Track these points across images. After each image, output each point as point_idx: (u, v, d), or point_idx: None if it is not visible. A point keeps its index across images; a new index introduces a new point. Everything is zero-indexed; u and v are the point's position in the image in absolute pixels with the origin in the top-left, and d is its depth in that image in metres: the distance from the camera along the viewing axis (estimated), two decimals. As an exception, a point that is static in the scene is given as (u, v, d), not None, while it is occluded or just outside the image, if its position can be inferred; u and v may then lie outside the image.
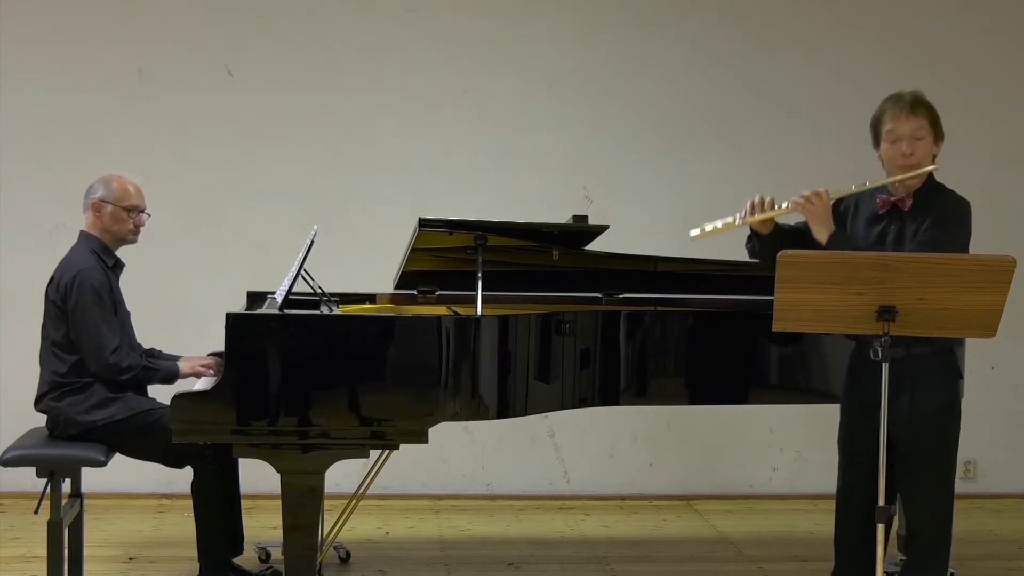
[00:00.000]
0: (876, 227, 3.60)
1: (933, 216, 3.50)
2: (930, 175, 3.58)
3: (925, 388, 3.47)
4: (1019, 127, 6.17)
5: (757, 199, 3.60)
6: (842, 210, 3.67)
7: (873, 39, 6.08)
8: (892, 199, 3.57)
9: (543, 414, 4.36)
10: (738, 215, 3.62)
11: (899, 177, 3.50)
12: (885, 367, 3.26)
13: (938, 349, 3.50)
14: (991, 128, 6.14)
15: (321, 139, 5.84)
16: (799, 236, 3.64)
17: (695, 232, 3.69)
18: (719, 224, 3.64)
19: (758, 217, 3.58)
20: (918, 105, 3.53)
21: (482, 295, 3.94)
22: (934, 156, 3.56)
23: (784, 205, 3.56)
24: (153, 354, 4.42)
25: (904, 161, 3.51)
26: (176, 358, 4.39)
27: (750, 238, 3.73)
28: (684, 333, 4.30)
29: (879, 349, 3.46)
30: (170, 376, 4.19)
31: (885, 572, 3.38)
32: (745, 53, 6.05)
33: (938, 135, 3.57)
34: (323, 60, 5.83)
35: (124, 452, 4.19)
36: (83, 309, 4.09)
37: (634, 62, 6.01)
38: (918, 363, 3.47)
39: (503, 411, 3.87)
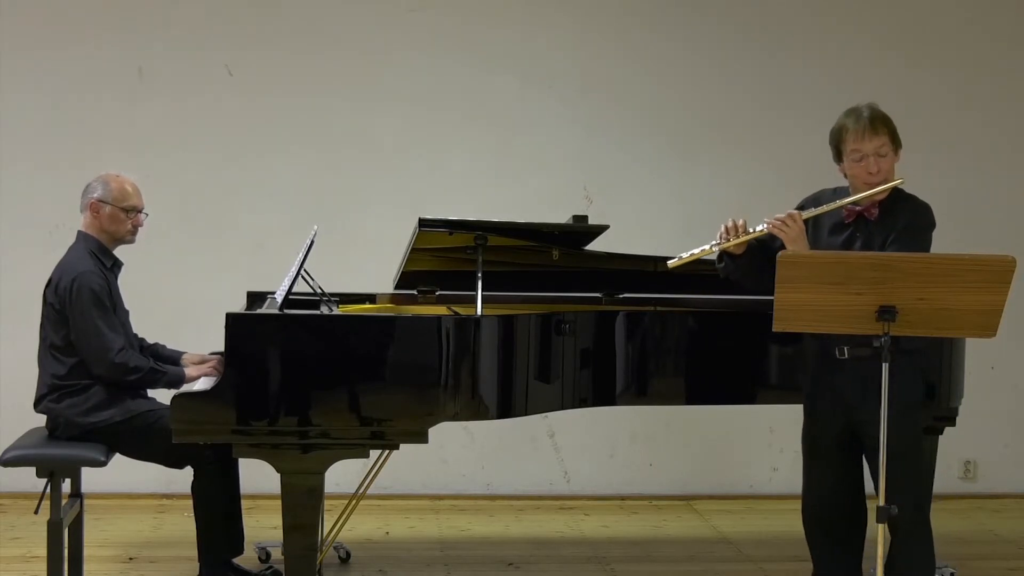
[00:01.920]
0: (841, 235, 3.64)
1: (900, 225, 3.55)
2: None
3: (892, 385, 3.47)
4: (1018, 127, 6.17)
5: (730, 223, 3.65)
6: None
7: (872, 42, 6.07)
8: (858, 209, 3.62)
9: (543, 414, 4.36)
10: (713, 241, 3.68)
11: (867, 194, 3.56)
12: (885, 367, 3.27)
13: (904, 348, 3.50)
14: (990, 128, 6.14)
15: (321, 139, 5.84)
16: (770, 253, 3.63)
17: (673, 261, 3.74)
18: (696, 251, 3.69)
19: (733, 242, 3.63)
20: (877, 122, 3.57)
21: (482, 295, 3.94)
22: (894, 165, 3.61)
23: (759, 228, 3.61)
24: (156, 350, 4.43)
25: (871, 179, 3.56)
26: (179, 354, 4.40)
27: (720, 258, 3.75)
28: (684, 333, 4.30)
29: (845, 348, 3.52)
30: (176, 381, 4.15)
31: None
32: (744, 54, 6.05)
33: (897, 146, 3.61)
34: (323, 60, 5.83)
35: (124, 452, 4.18)
36: (83, 313, 4.07)
37: (634, 62, 6.01)
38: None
39: (503, 411, 3.87)
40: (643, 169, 6.02)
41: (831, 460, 3.68)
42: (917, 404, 3.65)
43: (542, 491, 5.95)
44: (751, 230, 3.62)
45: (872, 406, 3.40)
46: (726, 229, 3.64)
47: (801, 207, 3.70)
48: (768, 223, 3.58)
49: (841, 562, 3.72)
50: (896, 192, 3.62)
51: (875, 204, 3.60)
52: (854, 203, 3.60)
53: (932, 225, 3.60)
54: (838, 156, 3.65)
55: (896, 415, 3.48)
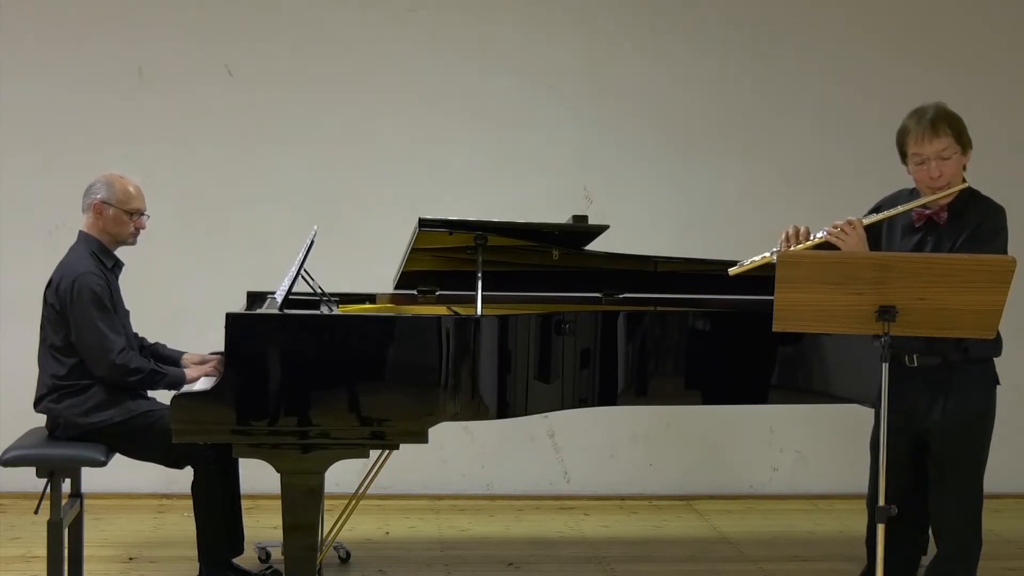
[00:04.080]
0: (913, 238, 3.55)
1: (970, 228, 3.45)
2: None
3: (962, 394, 3.47)
4: (1018, 126, 6.17)
5: (791, 230, 3.55)
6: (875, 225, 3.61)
7: (875, 40, 6.08)
8: (927, 212, 3.51)
9: (543, 414, 4.36)
10: (774, 249, 3.56)
11: (930, 199, 3.45)
12: (885, 367, 3.26)
13: (974, 357, 3.49)
14: (990, 127, 6.09)
15: (321, 139, 5.84)
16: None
17: (734, 269, 3.65)
18: (757, 259, 3.59)
19: (793, 250, 3.51)
20: (940, 124, 3.43)
21: (482, 295, 3.94)
22: (964, 166, 3.49)
23: (819, 235, 3.52)
24: (156, 350, 4.43)
25: (933, 183, 3.45)
26: (179, 354, 4.40)
27: None
28: (684, 333, 4.30)
29: (914, 356, 3.46)
30: (176, 382, 4.14)
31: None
32: (746, 53, 6.05)
33: (965, 147, 3.48)
34: (323, 60, 5.83)
35: (124, 453, 4.18)
36: (84, 314, 4.07)
37: (634, 62, 6.01)
38: (954, 370, 3.46)
39: (503, 411, 3.87)
40: (643, 169, 6.02)
41: (898, 467, 3.59)
42: (986, 416, 3.56)
43: (542, 491, 5.95)
44: (812, 237, 3.52)
45: (940, 416, 3.40)
46: (787, 236, 3.55)
47: (877, 208, 3.61)
48: (827, 231, 3.49)
49: (898, 563, 3.66)
50: (968, 193, 3.50)
51: (944, 208, 3.48)
52: (923, 207, 3.49)
53: (1003, 228, 3.48)
54: (903, 158, 3.53)
55: (965, 426, 3.47)
